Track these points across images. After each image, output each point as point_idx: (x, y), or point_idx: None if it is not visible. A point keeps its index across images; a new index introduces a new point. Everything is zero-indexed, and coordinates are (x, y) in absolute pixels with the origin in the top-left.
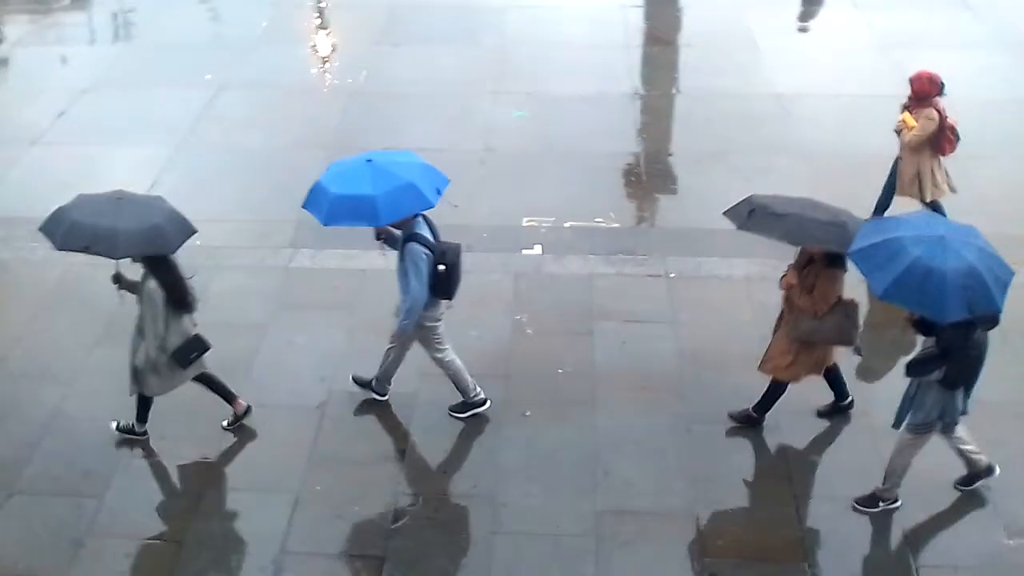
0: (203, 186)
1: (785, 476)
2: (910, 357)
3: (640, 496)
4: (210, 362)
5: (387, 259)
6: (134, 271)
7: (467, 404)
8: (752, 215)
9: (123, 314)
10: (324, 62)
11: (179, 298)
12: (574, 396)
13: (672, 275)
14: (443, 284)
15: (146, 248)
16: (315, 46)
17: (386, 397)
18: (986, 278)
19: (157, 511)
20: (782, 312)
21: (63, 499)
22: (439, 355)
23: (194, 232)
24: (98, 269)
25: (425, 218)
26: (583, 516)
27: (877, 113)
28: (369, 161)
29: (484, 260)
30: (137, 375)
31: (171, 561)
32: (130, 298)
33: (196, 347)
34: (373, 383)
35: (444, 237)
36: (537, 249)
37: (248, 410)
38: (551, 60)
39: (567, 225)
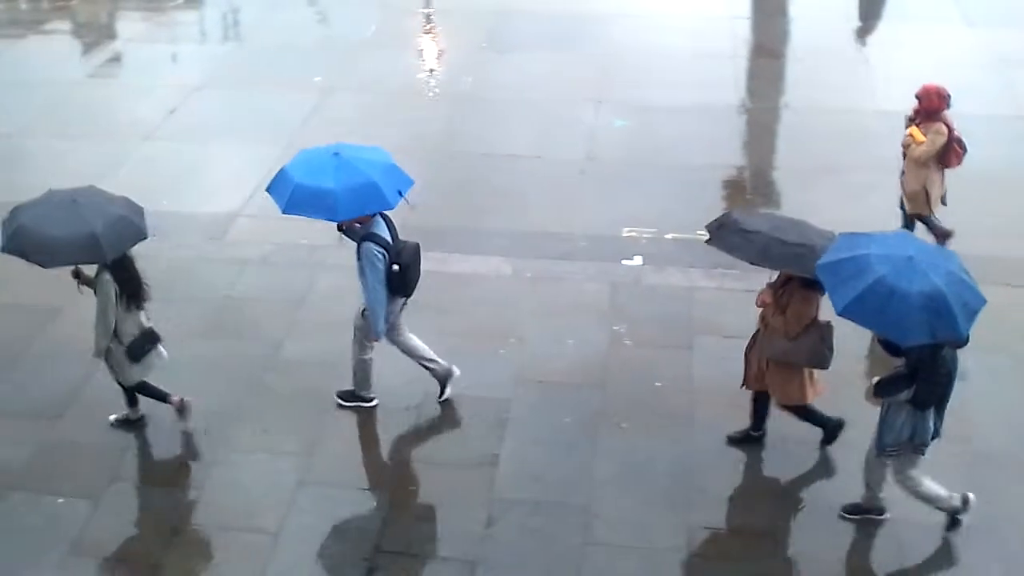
0: None
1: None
2: (877, 378)
3: (735, 513)
4: (312, 360)
5: (484, 264)
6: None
7: (356, 395)
8: (720, 229)
9: (225, 308)
10: (430, 67)
11: (132, 293)
12: (671, 410)
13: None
14: (399, 282)
15: (79, 258)
16: (421, 51)
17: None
18: (952, 303)
19: (253, 503)
20: (757, 330)
21: (162, 488)
22: (364, 354)
23: (142, 238)
24: (201, 264)
25: (384, 216)
26: (677, 531)
27: (989, 134)
28: (336, 154)
29: (582, 269)
30: (111, 364)
31: (265, 554)
32: (89, 292)
33: (148, 341)
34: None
35: (544, 245)
36: (637, 260)
37: (142, 418)
38: (655, 69)
39: (668, 237)
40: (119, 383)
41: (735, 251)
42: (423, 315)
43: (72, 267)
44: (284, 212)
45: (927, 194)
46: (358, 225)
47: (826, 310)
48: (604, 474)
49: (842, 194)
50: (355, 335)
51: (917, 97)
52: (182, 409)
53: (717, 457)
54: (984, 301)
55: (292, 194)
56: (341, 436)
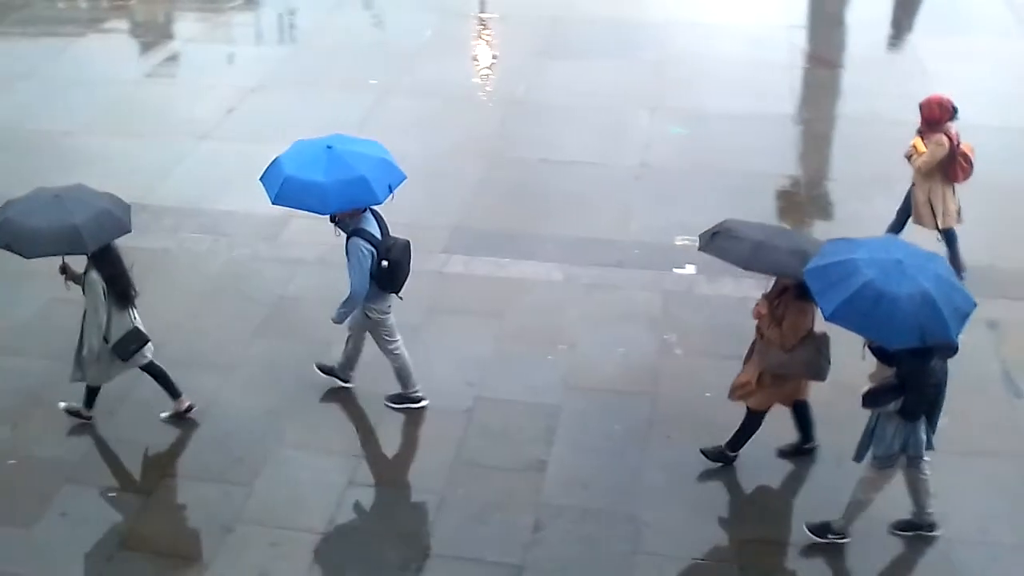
0: None
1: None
2: (865, 388)
3: (784, 527)
4: (363, 360)
5: (536, 270)
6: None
7: (404, 397)
8: (715, 237)
9: (279, 308)
10: (485, 72)
11: (120, 291)
12: (721, 421)
13: None
14: (388, 279)
15: (60, 249)
16: (477, 56)
17: (352, 384)
18: (941, 306)
19: (302, 502)
20: (754, 341)
21: (213, 485)
22: (389, 347)
23: (125, 232)
24: (256, 264)
25: (375, 212)
26: (726, 543)
27: None
28: (329, 147)
29: (633, 276)
30: (80, 364)
31: (313, 552)
32: (76, 288)
33: (135, 340)
34: (336, 369)
35: (597, 252)
36: (690, 269)
37: (190, 408)
38: (712, 77)
39: None
40: (92, 385)
41: (726, 256)
42: (474, 319)
43: (60, 263)
44: (273, 203)
45: (932, 207)
46: (349, 218)
47: (823, 322)
48: (653, 483)
49: (896, 205)
50: (377, 340)
51: (919, 107)
52: (80, 417)
53: (767, 469)
54: (974, 304)
55: (282, 186)
56: (391, 437)
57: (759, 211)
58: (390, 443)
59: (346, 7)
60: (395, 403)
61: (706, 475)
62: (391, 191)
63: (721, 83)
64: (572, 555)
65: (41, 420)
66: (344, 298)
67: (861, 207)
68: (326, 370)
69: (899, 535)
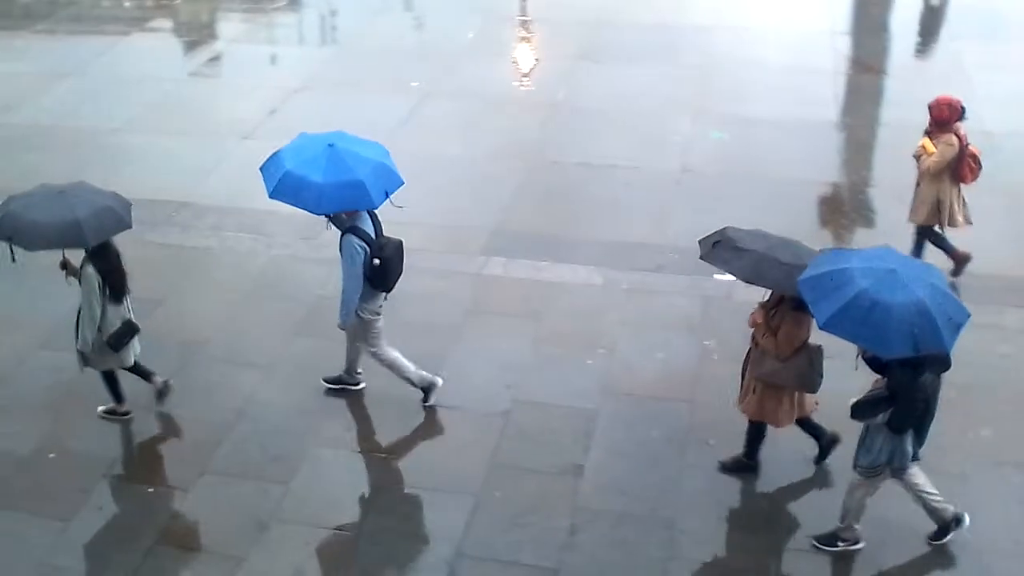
0: (403, 190)
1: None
2: (855, 399)
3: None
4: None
5: (575, 273)
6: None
7: (422, 388)
8: (716, 246)
9: (319, 307)
10: (526, 76)
11: (114, 285)
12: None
13: None
14: (379, 277)
15: (61, 243)
16: (519, 60)
17: (361, 386)
18: (935, 316)
19: (339, 501)
20: (749, 350)
21: (251, 482)
22: (371, 348)
23: (125, 228)
24: (296, 263)
25: (370, 211)
26: (761, 552)
27: None
28: (331, 145)
29: (673, 282)
30: (81, 355)
31: (348, 552)
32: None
33: (128, 331)
34: (344, 375)
35: (636, 256)
36: (729, 275)
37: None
38: (754, 82)
39: None
40: (102, 372)
41: (728, 268)
42: (513, 321)
43: (61, 259)
44: (270, 196)
45: (938, 208)
46: (345, 215)
47: (819, 334)
48: (690, 489)
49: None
50: (361, 339)
51: (928, 108)
52: (118, 414)
53: (804, 478)
54: (968, 315)
55: (280, 180)
56: (427, 438)
57: (800, 218)
58: (426, 444)
59: (389, 9)
60: (426, 392)
61: (744, 482)
62: (387, 196)
63: (763, 88)
64: (608, 560)
65: (80, 415)
66: (341, 302)
67: (903, 214)
68: (332, 381)
69: (933, 544)
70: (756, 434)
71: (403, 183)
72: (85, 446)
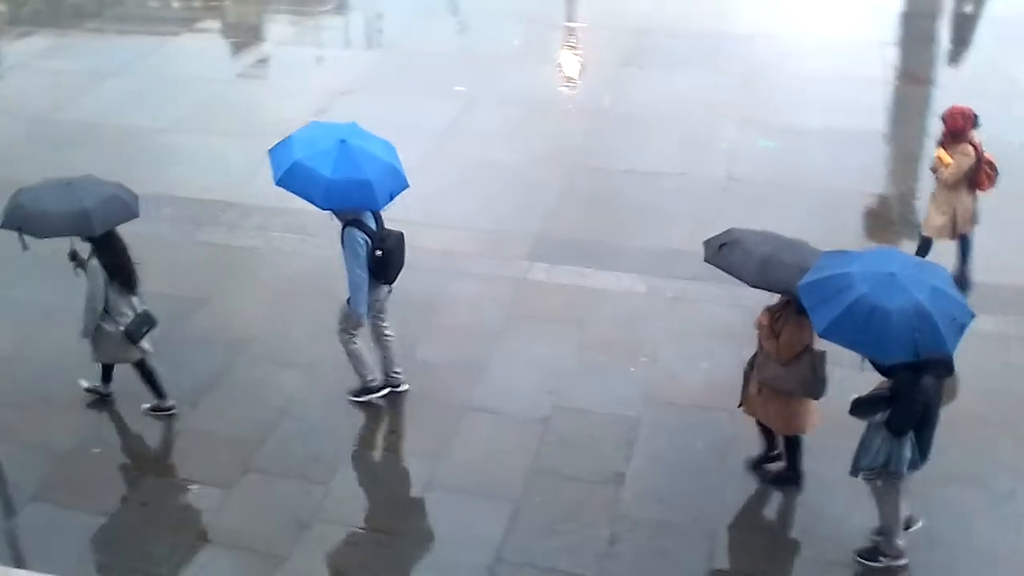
0: (447, 194)
1: None
2: (856, 396)
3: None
4: (443, 364)
5: (619, 281)
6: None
7: (364, 388)
8: (723, 248)
9: None
10: (571, 82)
11: (122, 278)
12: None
13: None
14: (381, 269)
15: (69, 230)
16: (564, 66)
17: (385, 391)
18: (936, 319)
19: (380, 503)
20: (755, 354)
21: (293, 481)
22: (345, 337)
23: (132, 217)
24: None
25: None
26: (804, 564)
27: None
28: (343, 141)
29: (717, 291)
30: (93, 343)
31: (388, 554)
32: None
33: (146, 323)
34: (362, 384)
35: (681, 264)
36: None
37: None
38: (802, 91)
39: None
40: (102, 361)
41: (733, 270)
42: (555, 327)
43: (70, 249)
44: (277, 184)
45: (955, 217)
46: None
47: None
48: (733, 500)
49: (985, 226)
50: (339, 326)
51: (942, 119)
52: (163, 410)
53: (846, 492)
54: (972, 315)
55: (289, 170)
56: (468, 442)
57: (846, 228)
58: (467, 448)
59: (434, 13)
60: (359, 396)
61: (787, 495)
62: (392, 199)
63: (810, 97)
64: (647, 569)
65: (126, 411)
66: (351, 295)
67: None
68: (359, 392)
69: (860, 561)
70: (789, 445)
71: (408, 186)
72: (130, 442)
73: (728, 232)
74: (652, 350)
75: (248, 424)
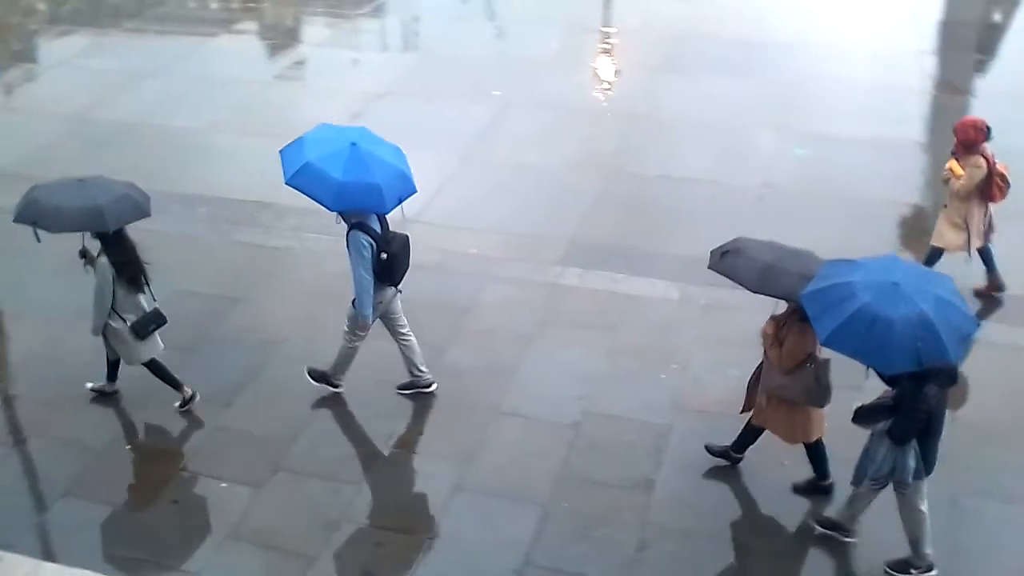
0: (482, 198)
1: None
2: (859, 404)
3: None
4: (473, 367)
5: (652, 287)
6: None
7: (327, 378)
8: (726, 256)
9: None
10: (607, 87)
11: (130, 276)
12: (837, 451)
13: None
14: (386, 271)
15: (83, 226)
16: (600, 71)
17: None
18: (939, 328)
19: (409, 504)
20: (760, 362)
21: (323, 481)
22: (348, 336)
23: (144, 216)
24: None
25: None
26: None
27: None
28: (354, 144)
29: (750, 299)
30: (106, 341)
31: (416, 556)
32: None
33: (154, 320)
34: (412, 380)
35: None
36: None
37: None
38: (838, 99)
39: None
40: (113, 359)
41: (735, 276)
42: (587, 333)
43: (81, 247)
44: (287, 183)
45: (968, 229)
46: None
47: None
48: (762, 511)
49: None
50: (346, 326)
51: (954, 131)
52: (188, 401)
53: (880, 505)
54: (977, 325)
55: (300, 170)
56: (498, 446)
57: (881, 238)
58: (497, 452)
59: (471, 17)
60: (315, 379)
61: (816, 505)
62: (400, 203)
63: (848, 106)
64: None
65: (159, 408)
66: (356, 297)
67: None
68: (407, 386)
69: (817, 529)
70: (750, 435)
71: (416, 191)
72: (163, 439)
73: (733, 241)
74: (684, 357)
75: (279, 423)
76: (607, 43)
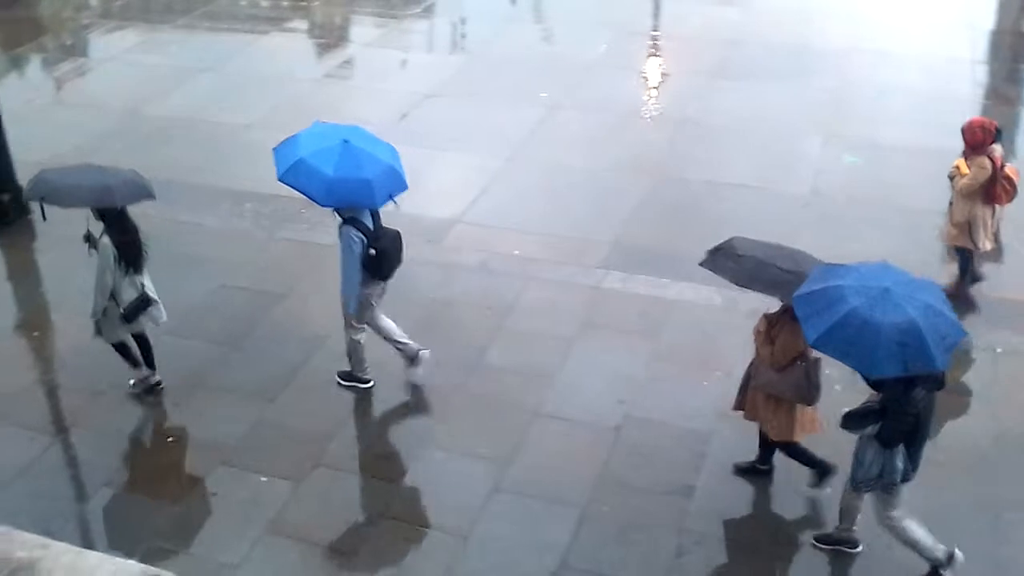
0: (527, 199)
1: None
2: (847, 409)
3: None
4: (515, 368)
5: (696, 292)
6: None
7: (353, 376)
8: (717, 253)
9: (437, 310)
10: (656, 91)
11: (130, 258)
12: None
13: (999, 350)
14: (375, 266)
15: (92, 201)
16: (649, 74)
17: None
18: (926, 335)
19: (446, 503)
20: (752, 360)
21: (362, 477)
22: (351, 330)
23: (150, 198)
24: (419, 266)
25: None
26: None
27: None
28: (346, 141)
29: None
30: (96, 325)
31: (453, 555)
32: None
33: (143, 304)
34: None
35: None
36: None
37: (153, 381)
38: (890, 107)
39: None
40: (113, 344)
41: (725, 273)
42: (629, 337)
43: (85, 231)
44: (279, 179)
45: (970, 228)
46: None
47: None
48: (802, 520)
49: None
50: (346, 323)
51: (962, 131)
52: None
53: (924, 511)
54: (964, 334)
55: (292, 167)
56: (537, 447)
57: (931, 248)
58: (536, 453)
59: (519, 19)
60: (344, 379)
61: (860, 517)
62: (391, 198)
63: (899, 114)
64: None
65: (202, 401)
66: (342, 293)
67: None
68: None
69: (819, 547)
70: (791, 454)
71: (407, 188)
72: (204, 432)
73: (728, 240)
74: (727, 365)
75: (321, 419)
76: (656, 47)
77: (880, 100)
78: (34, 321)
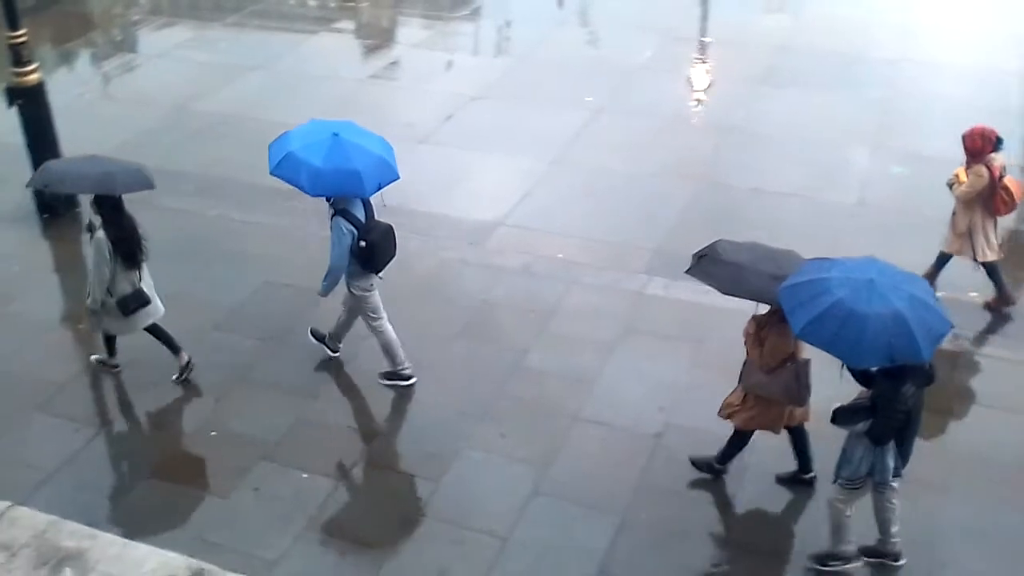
0: (570, 203)
1: None
2: (837, 405)
3: None
4: (556, 371)
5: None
6: None
7: (394, 374)
8: (701, 260)
9: (479, 312)
10: (702, 97)
11: (126, 252)
12: (922, 476)
13: None
14: (367, 258)
15: (93, 188)
16: (695, 80)
17: (337, 354)
18: (912, 326)
19: (487, 505)
20: (744, 362)
21: (403, 476)
22: (372, 323)
23: (149, 187)
24: (462, 268)
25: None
26: None
27: None
28: (336, 134)
29: None
30: (91, 315)
31: (492, 556)
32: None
33: (136, 300)
34: (327, 338)
35: None
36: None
37: (189, 362)
38: (937, 119)
39: (938, 295)
40: (104, 333)
41: (707, 279)
42: (671, 344)
43: (87, 222)
44: (271, 173)
45: (971, 238)
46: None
47: (810, 350)
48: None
49: None
50: (362, 316)
51: (962, 138)
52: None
53: (969, 533)
54: (950, 325)
55: (282, 160)
56: (578, 451)
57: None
58: (577, 458)
59: (565, 23)
60: (386, 379)
61: (901, 530)
62: (380, 188)
63: (948, 126)
64: None
65: (245, 396)
66: (325, 274)
67: None
68: (318, 336)
69: (865, 561)
70: (736, 444)
71: (398, 178)
72: (246, 427)
73: (712, 244)
74: None
75: (363, 417)
76: (703, 53)
77: (929, 111)
78: (80, 313)
